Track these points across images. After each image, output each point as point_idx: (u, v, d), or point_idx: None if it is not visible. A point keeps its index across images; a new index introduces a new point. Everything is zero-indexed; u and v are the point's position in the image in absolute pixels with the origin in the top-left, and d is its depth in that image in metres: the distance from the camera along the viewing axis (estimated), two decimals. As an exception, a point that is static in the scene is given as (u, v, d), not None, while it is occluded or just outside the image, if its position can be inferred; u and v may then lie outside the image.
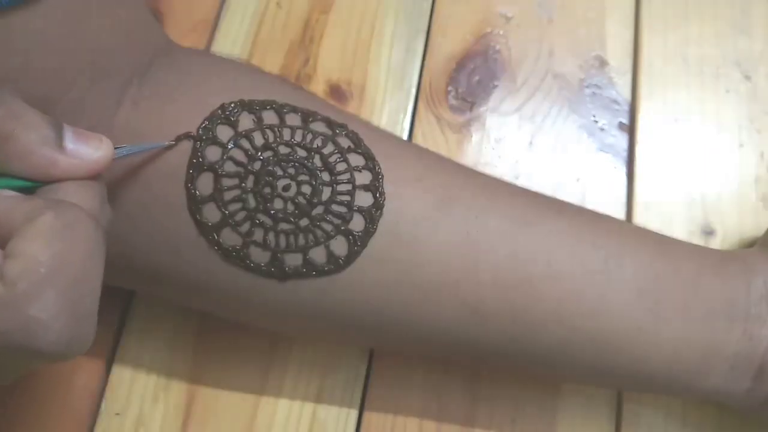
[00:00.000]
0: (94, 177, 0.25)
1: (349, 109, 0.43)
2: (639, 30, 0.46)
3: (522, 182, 0.42)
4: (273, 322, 0.35)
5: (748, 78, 0.44)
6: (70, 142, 0.24)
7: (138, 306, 0.39)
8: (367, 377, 0.38)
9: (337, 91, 0.44)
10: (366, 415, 0.37)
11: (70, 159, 0.24)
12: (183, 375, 0.38)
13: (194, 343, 0.38)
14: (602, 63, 0.45)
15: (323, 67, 0.44)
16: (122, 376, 0.37)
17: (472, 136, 0.43)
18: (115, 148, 0.26)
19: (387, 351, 0.38)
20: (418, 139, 0.43)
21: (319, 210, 0.30)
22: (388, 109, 0.44)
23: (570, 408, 0.38)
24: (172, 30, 0.45)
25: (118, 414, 0.37)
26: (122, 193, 0.30)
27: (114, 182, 0.30)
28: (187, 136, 0.29)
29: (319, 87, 0.44)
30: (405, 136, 0.43)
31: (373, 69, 0.44)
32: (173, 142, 0.29)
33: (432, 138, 0.43)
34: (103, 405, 0.37)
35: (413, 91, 0.44)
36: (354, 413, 0.37)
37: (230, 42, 0.45)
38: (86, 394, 0.37)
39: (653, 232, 0.35)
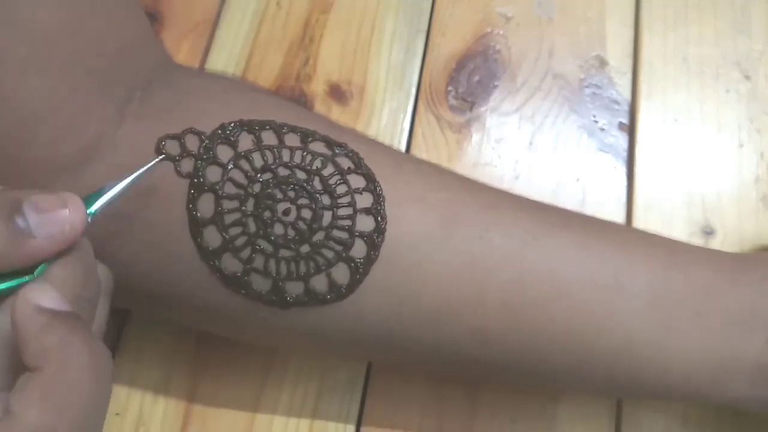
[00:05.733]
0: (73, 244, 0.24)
1: (349, 109, 0.43)
2: (639, 30, 0.46)
3: (522, 182, 0.42)
4: (273, 342, 0.35)
5: (748, 78, 0.44)
6: (34, 219, 0.23)
7: (138, 306, 0.39)
8: (365, 389, 0.38)
9: (337, 91, 0.44)
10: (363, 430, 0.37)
11: (40, 242, 0.23)
12: (183, 375, 0.38)
13: (195, 343, 0.38)
14: (602, 63, 0.45)
15: (323, 67, 0.44)
16: (122, 376, 0.37)
17: (472, 136, 0.43)
18: (89, 196, 0.25)
19: (387, 365, 0.38)
20: (418, 139, 0.43)
21: (319, 236, 0.29)
22: (388, 109, 0.44)
23: (570, 407, 0.37)
24: (172, 30, 0.45)
25: (117, 414, 0.37)
26: (122, 212, 0.29)
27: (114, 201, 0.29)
28: (162, 155, 0.29)
29: (319, 87, 0.44)
30: (405, 136, 0.43)
31: (373, 69, 0.44)
32: (159, 159, 0.28)
33: (432, 138, 0.43)
34: (103, 405, 0.37)
35: (413, 91, 0.44)
36: (351, 428, 0.37)
37: (230, 42, 0.45)
38: (86, 394, 0.37)
39: (664, 239, 0.33)
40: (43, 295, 0.22)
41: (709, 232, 0.41)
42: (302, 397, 0.37)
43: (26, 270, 0.23)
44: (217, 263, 0.29)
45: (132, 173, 0.27)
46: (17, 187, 0.24)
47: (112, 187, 0.26)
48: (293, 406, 0.37)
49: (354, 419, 0.37)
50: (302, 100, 0.43)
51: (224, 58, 0.44)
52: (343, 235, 0.29)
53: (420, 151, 0.42)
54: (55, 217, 0.24)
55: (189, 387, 0.37)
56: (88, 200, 0.25)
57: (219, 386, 0.37)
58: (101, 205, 0.26)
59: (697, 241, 0.41)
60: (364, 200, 0.30)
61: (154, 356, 0.38)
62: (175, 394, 0.37)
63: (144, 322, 0.38)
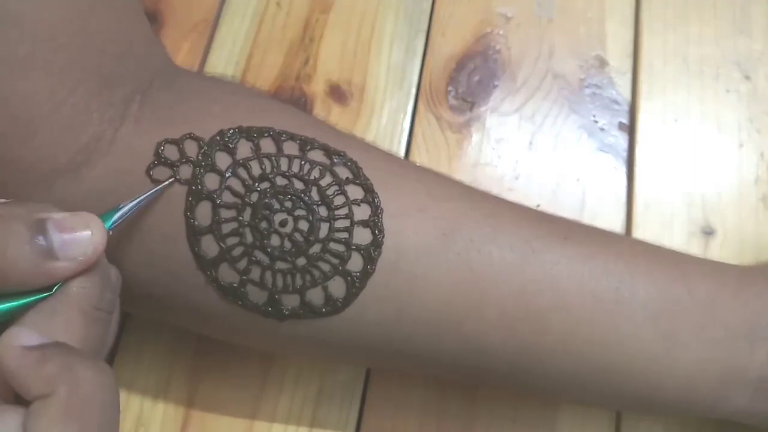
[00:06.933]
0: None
1: (349, 109, 0.43)
2: (639, 30, 0.46)
3: (522, 182, 0.42)
4: (271, 349, 0.35)
5: (748, 78, 0.44)
6: (58, 240, 0.23)
7: (138, 306, 0.39)
8: (364, 392, 0.38)
9: (337, 91, 0.44)
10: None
11: (64, 264, 0.23)
12: (183, 375, 0.38)
13: (195, 345, 0.38)
14: (602, 63, 0.45)
15: (323, 67, 0.44)
16: (122, 376, 0.37)
17: (472, 136, 0.43)
18: (105, 215, 0.25)
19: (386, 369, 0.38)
20: (418, 139, 0.43)
21: (316, 248, 0.29)
22: (388, 109, 0.44)
23: (571, 408, 0.37)
24: (172, 30, 0.45)
25: (118, 414, 0.37)
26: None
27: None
28: (174, 178, 0.29)
29: (319, 87, 0.44)
30: (405, 136, 0.43)
31: (373, 69, 0.44)
32: (169, 181, 0.29)
33: (432, 138, 0.43)
34: (103, 405, 0.37)
35: (413, 91, 0.44)
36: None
37: (230, 42, 0.45)
38: (86, 394, 0.37)
39: (668, 251, 0.33)
40: (24, 336, 0.22)
41: (709, 232, 0.41)
42: (301, 401, 0.37)
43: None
44: (213, 273, 0.29)
45: (146, 192, 0.28)
46: (19, 195, 0.24)
47: (126, 206, 0.27)
48: (292, 411, 0.37)
49: (353, 423, 0.37)
50: (302, 100, 0.43)
51: (224, 58, 0.44)
52: (340, 248, 0.29)
53: (420, 151, 0.42)
54: (79, 240, 0.24)
55: (189, 389, 0.37)
56: (104, 218, 0.25)
57: (218, 389, 0.37)
58: (116, 224, 0.26)
59: (697, 241, 0.41)
60: (362, 212, 0.29)
61: (154, 357, 0.38)
62: (174, 396, 0.37)
63: (144, 323, 0.38)
